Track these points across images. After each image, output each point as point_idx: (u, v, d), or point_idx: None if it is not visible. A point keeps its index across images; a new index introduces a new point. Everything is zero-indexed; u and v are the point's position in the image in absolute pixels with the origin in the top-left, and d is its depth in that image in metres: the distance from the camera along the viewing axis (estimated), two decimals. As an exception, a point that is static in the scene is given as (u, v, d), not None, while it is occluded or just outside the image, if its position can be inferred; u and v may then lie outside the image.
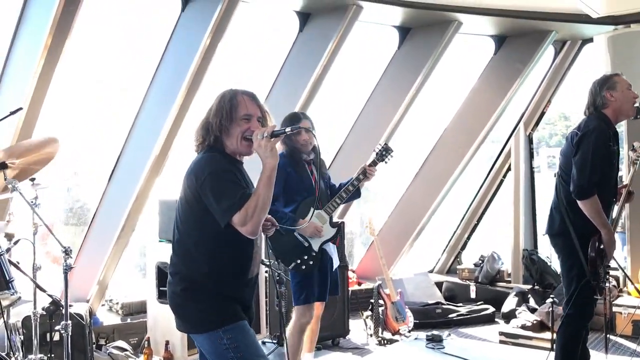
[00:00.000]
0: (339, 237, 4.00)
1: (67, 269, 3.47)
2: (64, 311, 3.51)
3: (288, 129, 2.44)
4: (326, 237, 3.86)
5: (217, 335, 2.39)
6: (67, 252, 3.47)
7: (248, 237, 2.41)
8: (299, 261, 3.74)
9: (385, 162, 4.00)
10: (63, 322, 3.48)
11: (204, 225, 2.43)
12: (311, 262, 3.76)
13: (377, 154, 3.98)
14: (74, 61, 4.85)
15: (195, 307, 2.45)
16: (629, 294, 5.81)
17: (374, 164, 3.95)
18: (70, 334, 3.51)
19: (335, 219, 3.99)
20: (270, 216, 2.85)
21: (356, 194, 3.99)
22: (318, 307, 4.06)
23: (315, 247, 3.80)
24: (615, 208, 3.81)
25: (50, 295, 3.60)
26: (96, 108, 6.33)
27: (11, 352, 3.63)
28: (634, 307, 5.30)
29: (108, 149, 5.69)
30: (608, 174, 3.54)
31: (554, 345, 3.82)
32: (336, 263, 4.00)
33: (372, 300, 5.50)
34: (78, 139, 6.48)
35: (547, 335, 4.99)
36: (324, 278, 3.88)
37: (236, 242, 2.43)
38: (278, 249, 3.79)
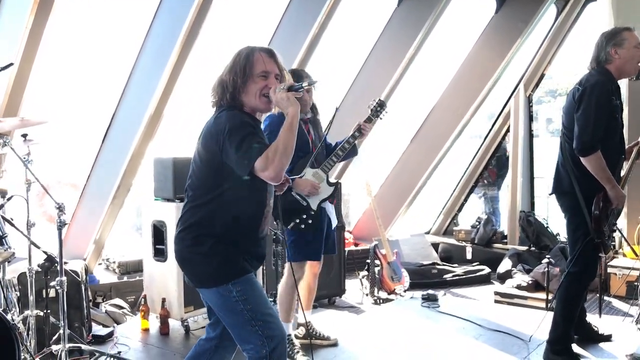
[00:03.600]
0: (335, 198, 3.96)
1: (61, 225, 3.47)
2: (58, 267, 3.51)
3: (305, 84, 2.47)
4: (324, 195, 3.82)
5: (226, 288, 2.43)
6: (60, 208, 3.46)
7: (260, 195, 2.50)
8: (297, 220, 3.72)
9: (380, 118, 3.93)
10: (58, 279, 3.49)
11: (221, 183, 2.44)
12: (310, 221, 3.73)
13: (371, 110, 3.91)
14: (66, 17, 4.74)
15: (204, 262, 2.48)
16: (624, 255, 5.84)
17: (369, 120, 3.89)
18: (65, 290, 3.52)
19: (332, 179, 3.95)
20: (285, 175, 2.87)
21: (352, 151, 3.93)
22: (315, 266, 4.06)
23: (314, 205, 3.77)
24: (625, 166, 3.76)
25: (45, 252, 3.60)
26: (90, 67, 6.23)
27: (7, 308, 3.63)
28: (628, 268, 5.33)
29: (102, 108, 5.62)
30: (612, 130, 3.47)
31: (552, 305, 3.82)
32: (334, 222, 3.99)
33: (368, 261, 5.52)
34: (73, 97, 6.40)
35: (542, 295, 5.02)
36: (320, 237, 3.86)
37: (250, 200, 2.49)
38: (276, 210, 3.75)
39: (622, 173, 3.72)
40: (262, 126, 3.70)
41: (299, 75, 3.80)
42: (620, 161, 3.63)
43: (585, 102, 3.40)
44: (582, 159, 3.42)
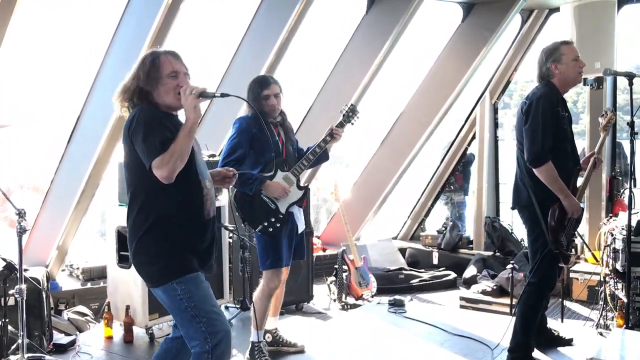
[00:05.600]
0: (305, 200, 3.95)
1: (22, 232, 3.40)
2: (18, 275, 3.43)
3: (218, 94, 2.54)
4: (293, 199, 3.80)
5: (171, 287, 2.51)
6: (20, 214, 3.39)
7: (194, 181, 2.57)
8: (266, 223, 3.69)
9: (352, 124, 3.94)
10: (17, 287, 3.41)
11: (147, 176, 2.47)
12: (278, 225, 3.71)
13: (343, 115, 3.92)
14: (29, 17, 4.65)
15: (150, 262, 2.55)
16: (586, 260, 5.97)
17: (340, 125, 3.90)
18: (25, 298, 3.44)
19: (302, 183, 3.94)
20: (234, 169, 2.93)
21: (324, 156, 3.96)
22: (284, 272, 4.04)
23: (282, 209, 3.75)
24: (581, 178, 3.83)
25: (3, 259, 3.51)
26: (55, 69, 6.12)
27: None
28: (589, 273, 5.45)
29: (67, 111, 5.53)
30: (562, 140, 3.56)
31: (514, 311, 3.89)
32: (301, 227, 3.97)
33: (336, 266, 5.53)
34: (36, 99, 6.28)
35: (506, 300, 5.09)
36: (290, 242, 3.85)
37: (184, 188, 2.52)
38: (245, 211, 3.75)
39: (579, 183, 3.81)
40: (233, 129, 3.72)
41: (265, 81, 3.80)
42: (574, 171, 3.70)
43: (532, 114, 3.49)
44: (534, 170, 3.50)
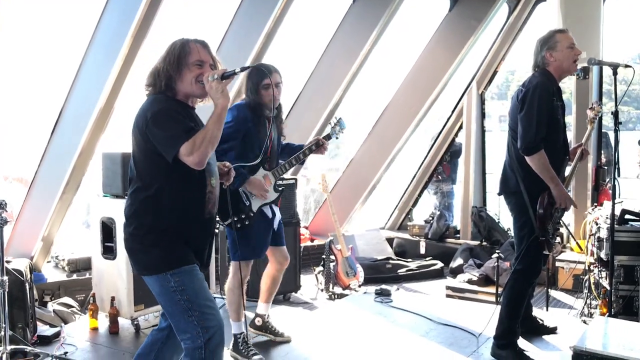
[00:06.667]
0: (279, 201, 3.96)
1: (2, 223, 3.36)
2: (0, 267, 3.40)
3: (238, 69, 2.50)
4: (267, 199, 3.81)
5: (165, 278, 2.48)
6: (1, 205, 3.36)
7: (199, 178, 2.52)
8: (235, 218, 3.68)
9: (336, 138, 4.03)
10: (-1, 278, 3.39)
11: (155, 166, 2.48)
12: (246, 222, 3.70)
13: (332, 127, 4.00)
14: (10, 6, 4.59)
15: (144, 250, 2.52)
16: (571, 249, 6.02)
17: (327, 137, 3.96)
18: (7, 290, 3.41)
19: (280, 182, 3.93)
20: (229, 164, 2.88)
21: (302, 162, 4.03)
22: (283, 262, 4.04)
23: (255, 207, 3.75)
24: (569, 167, 3.86)
25: (-15, 251, 3.47)
26: (38, 57, 6.06)
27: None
28: (575, 262, 5.49)
29: (52, 100, 5.47)
30: (555, 130, 3.56)
31: (500, 299, 3.90)
32: (277, 221, 3.96)
33: (323, 256, 5.53)
34: (18, 91, 6.22)
35: (492, 289, 5.12)
36: (262, 237, 3.84)
37: (187, 182, 2.51)
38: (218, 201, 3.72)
39: (567, 173, 3.82)
40: (229, 116, 3.67)
41: (265, 69, 3.70)
42: (564, 161, 3.72)
43: (528, 102, 3.49)
44: (526, 158, 3.50)
